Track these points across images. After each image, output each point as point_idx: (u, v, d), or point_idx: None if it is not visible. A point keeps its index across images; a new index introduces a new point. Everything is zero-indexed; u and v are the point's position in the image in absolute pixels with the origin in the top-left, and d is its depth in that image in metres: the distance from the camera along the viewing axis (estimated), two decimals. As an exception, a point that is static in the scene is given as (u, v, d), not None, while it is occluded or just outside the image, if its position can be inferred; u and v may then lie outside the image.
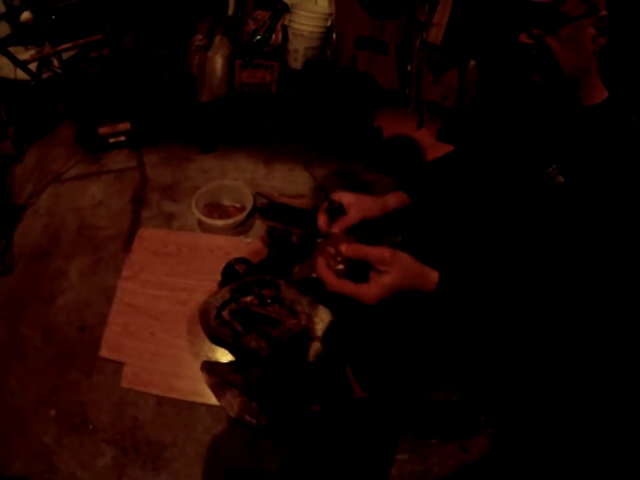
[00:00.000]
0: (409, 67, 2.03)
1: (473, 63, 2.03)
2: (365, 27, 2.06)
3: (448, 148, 1.24)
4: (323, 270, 0.76)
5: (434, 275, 0.77)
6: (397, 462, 1.17)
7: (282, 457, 1.17)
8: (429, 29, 1.96)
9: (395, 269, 0.74)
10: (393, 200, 1.01)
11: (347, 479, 1.15)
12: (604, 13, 0.76)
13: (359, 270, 0.77)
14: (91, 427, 1.20)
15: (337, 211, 0.90)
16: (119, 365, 1.28)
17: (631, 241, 0.75)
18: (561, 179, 0.84)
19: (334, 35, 2.11)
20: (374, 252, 0.75)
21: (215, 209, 1.63)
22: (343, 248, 0.76)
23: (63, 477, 1.13)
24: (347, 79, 2.04)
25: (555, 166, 0.85)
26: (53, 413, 1.22)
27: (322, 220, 0.89)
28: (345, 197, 0.92)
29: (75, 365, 1.31)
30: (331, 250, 0.77)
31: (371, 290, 0.74)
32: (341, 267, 0.77)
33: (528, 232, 0.89)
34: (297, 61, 2.12)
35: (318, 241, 0.84)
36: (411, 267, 0.76)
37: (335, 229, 0.88)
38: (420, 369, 1.00)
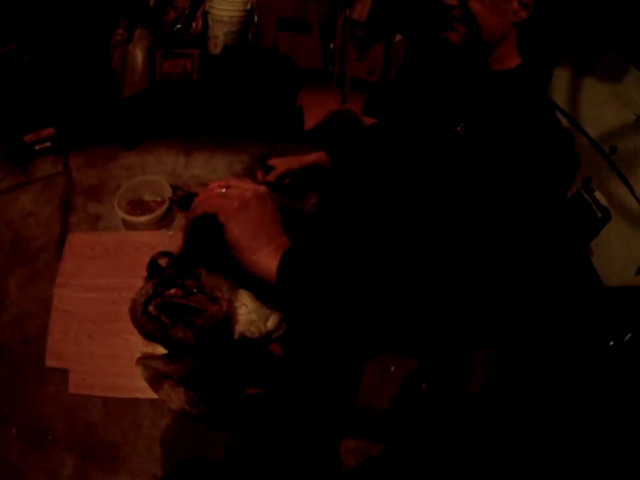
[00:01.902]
0: (331, 45, 2.04)
1: (399, 37, 2.05)
2: (287, 8, 2.02)
3: (372, 122, 1.28)
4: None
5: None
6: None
7: (227, 443, 1.20)
8: (354, 6, 1.95)
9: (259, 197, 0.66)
10: (310, 157, 1.15)
11: (291, 459, 1.19)
12: None
13: None
14: (50, 437, 1.22)
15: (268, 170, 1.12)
16: (66, 372, 1.29)
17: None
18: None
19: (255, 18, 2.08)
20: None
21: (137, 205, 1.62)
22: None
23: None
24: (266, 61, 2.01)
25: (462, 124, 0.88)
26: (14, 430, 1.24)
27: (258, 175, 1.10)
28: (274, 160, 1.13)
29: (26, 379, 1.31)
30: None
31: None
32: None
33: (435, 186, 0.92)
34: (217, 47, 2.06)
35: None
36: (274, 213, 0.66)
37: (269, 178, 1.08)
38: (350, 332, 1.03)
